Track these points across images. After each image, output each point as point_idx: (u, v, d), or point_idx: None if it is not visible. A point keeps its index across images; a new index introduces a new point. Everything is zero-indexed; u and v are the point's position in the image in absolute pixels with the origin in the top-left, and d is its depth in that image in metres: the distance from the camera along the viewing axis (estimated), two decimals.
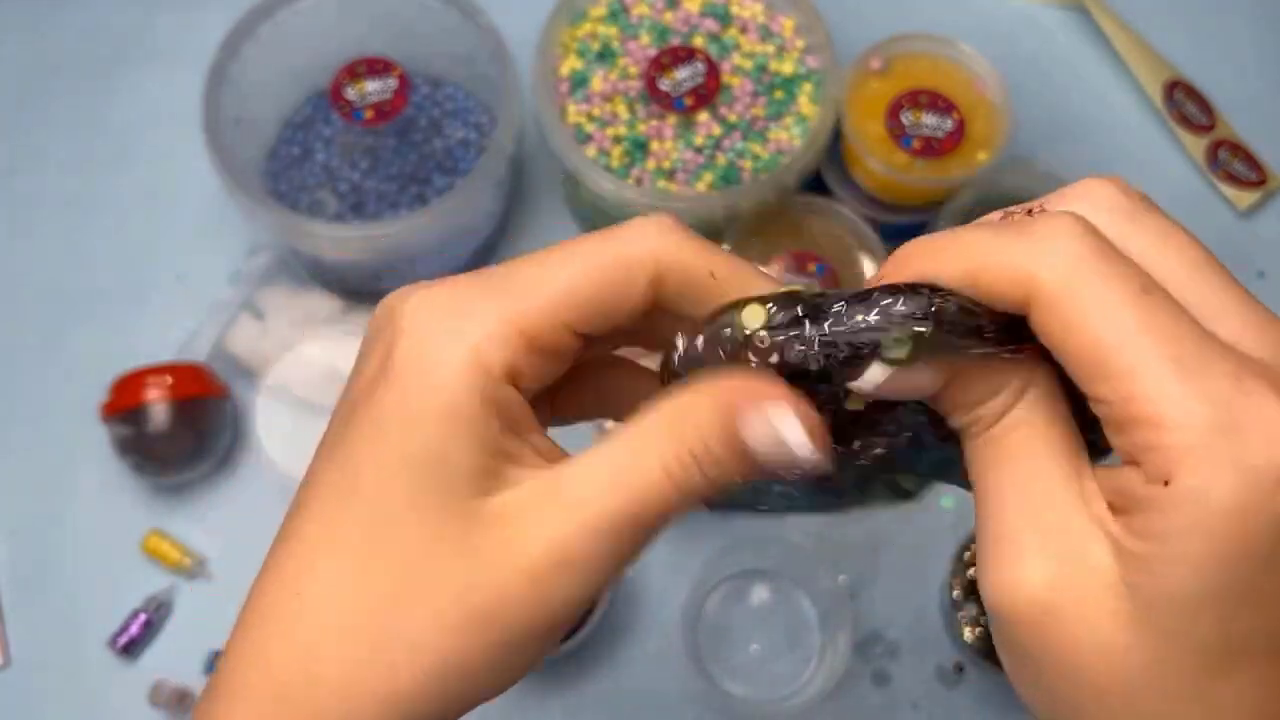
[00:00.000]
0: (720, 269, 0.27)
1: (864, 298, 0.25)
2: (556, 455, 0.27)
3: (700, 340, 0.26)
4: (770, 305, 0.26)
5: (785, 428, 0.25)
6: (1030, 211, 0.26)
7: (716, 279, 0.27)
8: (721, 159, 0.68)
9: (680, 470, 0.25)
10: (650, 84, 0.68)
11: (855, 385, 0.25)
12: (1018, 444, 0.25)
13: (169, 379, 0.66)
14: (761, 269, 0.28)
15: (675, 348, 0.27)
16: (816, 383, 0.26)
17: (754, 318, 0.26)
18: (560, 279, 0.27)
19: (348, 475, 0.26)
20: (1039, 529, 0.24)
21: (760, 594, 0.68)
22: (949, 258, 0.25)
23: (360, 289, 0.73)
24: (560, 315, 0.26)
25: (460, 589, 0.25)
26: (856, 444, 0.28)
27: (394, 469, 0.25)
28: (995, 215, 0.27)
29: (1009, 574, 0.24)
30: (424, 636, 0.25)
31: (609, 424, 0.65)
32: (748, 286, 0.27)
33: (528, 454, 0.27)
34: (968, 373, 0.25)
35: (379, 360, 0.27)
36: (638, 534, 0.26)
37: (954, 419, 0.26)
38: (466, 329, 0.26)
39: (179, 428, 0.66)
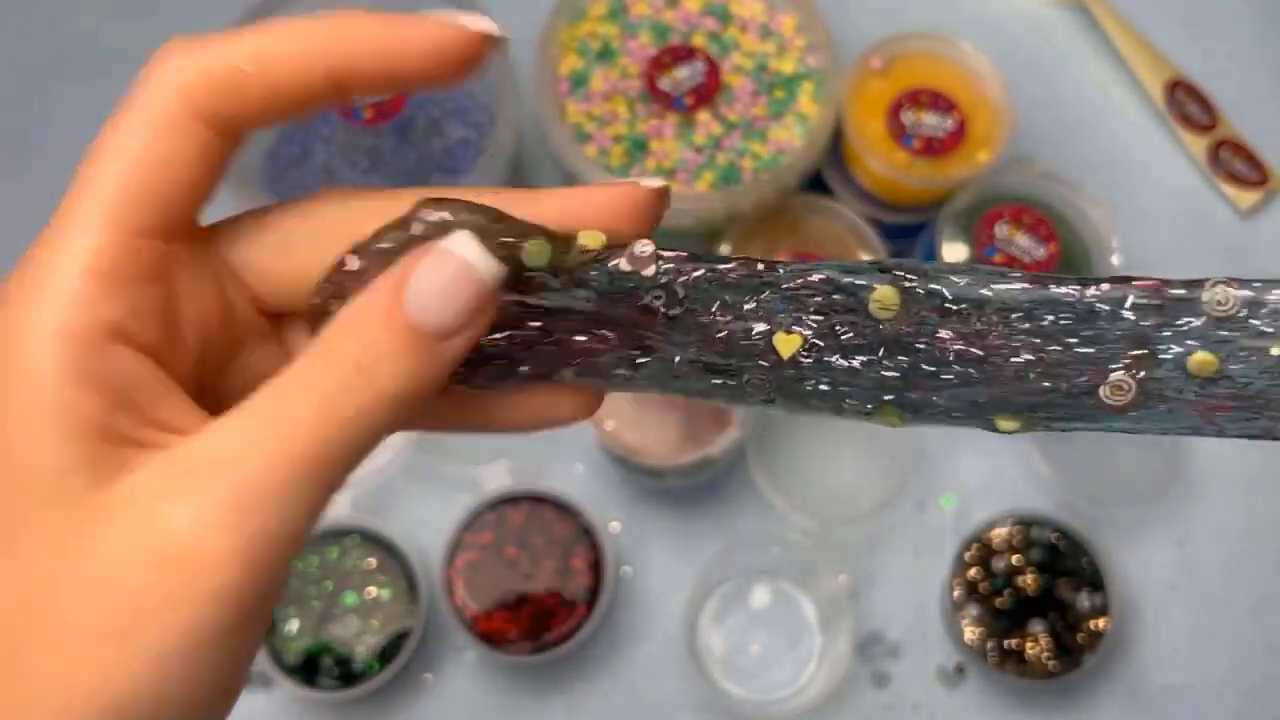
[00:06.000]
0: (260, 59, 0.23)
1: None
2: (200, 421, 0.22)
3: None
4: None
5: (455, 244, 0.21)
6: None
7: (256, 76, 0.23)
8: (722, 158, 0.68)
9: (345, 396, 0.21)
10: (650, 83, 0.68)
11: None
12: None
13: None
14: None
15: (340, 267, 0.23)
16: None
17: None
18: (101, 188, 0.22)
19: None
20: None
21: (760, 594, 0.68)
22: None
23: None
24: (125, 227, 0.22)
25: (84, 595, 0.20)
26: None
27: None
28: None
29: None
30: (49, 653, 0.20)
31: (609, 424, 0.65)
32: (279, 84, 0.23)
33: (150, 433, 0.22)
34: None
35: None
36: (311, 488, 0.21)
37: None
38: (44, 304, 0.21)
39: None
